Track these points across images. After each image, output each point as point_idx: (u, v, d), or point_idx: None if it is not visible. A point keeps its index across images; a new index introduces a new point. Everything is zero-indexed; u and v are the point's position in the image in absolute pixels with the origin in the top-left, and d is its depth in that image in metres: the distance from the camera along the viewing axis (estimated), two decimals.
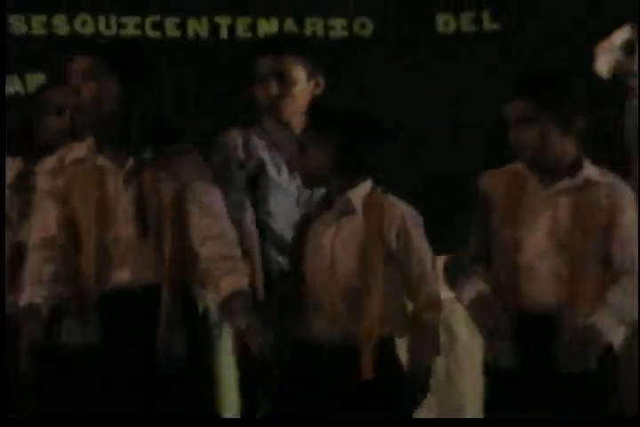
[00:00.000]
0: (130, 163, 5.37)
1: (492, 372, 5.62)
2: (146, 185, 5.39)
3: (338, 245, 5.32)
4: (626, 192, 5.45)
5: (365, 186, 5.33)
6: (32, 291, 5.47)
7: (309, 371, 5.49)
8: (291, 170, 6.02)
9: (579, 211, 5.44)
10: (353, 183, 5.25)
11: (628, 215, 5.42)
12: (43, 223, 5.55)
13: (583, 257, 5.47)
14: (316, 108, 5.94)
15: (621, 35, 7.54)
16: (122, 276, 5.48)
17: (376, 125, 5.48)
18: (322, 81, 6.04)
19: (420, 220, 5.28)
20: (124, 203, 5.37)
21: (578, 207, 5.43)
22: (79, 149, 5.42)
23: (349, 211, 5.30)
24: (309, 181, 5.42)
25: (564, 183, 5.38)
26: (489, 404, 5.66)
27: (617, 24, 7.57)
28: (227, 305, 5.20)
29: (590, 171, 5.44)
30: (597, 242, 5.42)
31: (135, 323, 5.50)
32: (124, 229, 5.41)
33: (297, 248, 5.52)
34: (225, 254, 5.42)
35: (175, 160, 5.43)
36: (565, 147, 5.39)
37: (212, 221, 5.41)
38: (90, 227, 5.44)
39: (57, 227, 5.55)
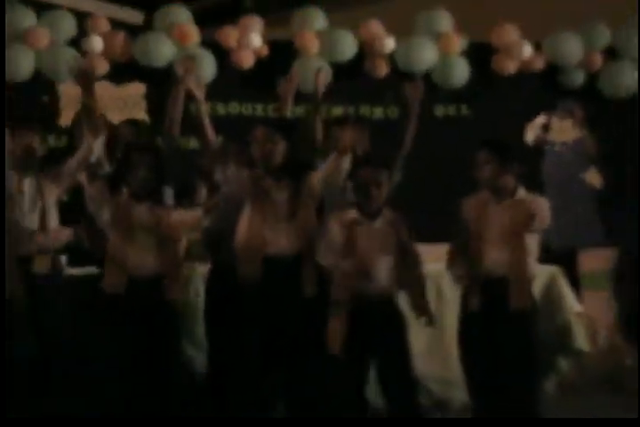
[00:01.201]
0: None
1: (465, 314, 7.41)
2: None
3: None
4: (542, 201, 7.32)
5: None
6: None
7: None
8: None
9: (516, 214, 7.19)
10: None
11: (543, 213, 7.22)
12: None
13: (518, 239, 7.22)
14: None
15: (540, 119, 9.72)
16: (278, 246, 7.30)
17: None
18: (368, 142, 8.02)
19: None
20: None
21: (515, 213, 7.21)
22: None
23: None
24: None
25: (508, 201, 7.29)
26: (462, 335, 7.39)
27: (541, 111, 9.81)
28: None
29: (522, 193, 7.29)
30: (524, 229, 7.18)
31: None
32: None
33: None
34: None
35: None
36: (508, 180, 7.28)
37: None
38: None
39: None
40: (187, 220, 7.56)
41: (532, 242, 7.37)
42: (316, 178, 7.48)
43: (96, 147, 7.87)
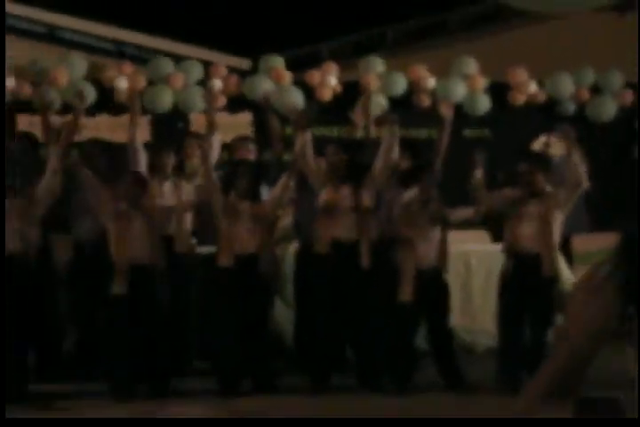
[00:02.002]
0: None
1: (504, 280, 7.58)
2: None
3: None
4: (559, 192, 7.46)
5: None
6: None
7: None
8: None
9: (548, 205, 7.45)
10: None
11: (562, 199, 7.44)
12: None
13: (547, 226, 7.46)
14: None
15: (542, 139, 9.57)
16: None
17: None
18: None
19: None
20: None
21: (548, 205, 7.44)
22: None
23: None
24: None
25: (541, 196, 7.48)
26: (501, 295, 7.60)
27: (543, 132, 9.64)
28: None
29: (549, 188, 7.50)
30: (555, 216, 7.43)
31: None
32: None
33: None
34: None
35: None
36: (541, 181, 7.53)
37: None
38: None
39: None
40: (273, 197, 7.76)
41: (557, 228, 7.55)
42: (372, 181, 7.66)
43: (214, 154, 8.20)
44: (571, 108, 10.35)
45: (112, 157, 8.48)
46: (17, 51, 10.08)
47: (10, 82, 9.51)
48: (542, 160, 7.93)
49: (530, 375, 6.67)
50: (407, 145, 8.13)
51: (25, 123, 9.43)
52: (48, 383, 7.69)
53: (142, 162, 8.18)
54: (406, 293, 7.40)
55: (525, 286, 7.46)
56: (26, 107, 9.15)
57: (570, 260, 9.30)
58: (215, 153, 8.26)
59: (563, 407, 1.86)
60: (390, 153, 7.67)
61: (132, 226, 7.47)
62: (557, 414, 1.85)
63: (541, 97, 10.46)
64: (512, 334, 7.58)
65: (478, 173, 7.66)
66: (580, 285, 2.02)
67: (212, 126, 8.25)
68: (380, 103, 9.70)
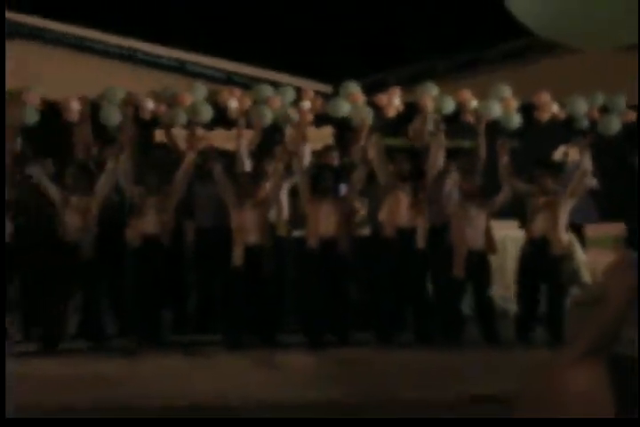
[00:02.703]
0: None
1: (522, 257, 7.69)
2: None
3: None
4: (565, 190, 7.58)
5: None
6: None
7: None
8: None
9: (554, 201, 7.54)
10: None
11: (567, 195, 7.55)
12: None
13: (555, 216, 7.54)
14: None
15: (562, 148, 9.68)
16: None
17: None
18: None
19: None
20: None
21: (554, 201, 7.57)
22: None
23: None
24: None
25: (549, 196, 7.56)
26: (520, 270, 7.78)
27: (563, 143, 9.84)
28: None
29: (557, 188, 7.56)
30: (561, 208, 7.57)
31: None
32: None
33: None
34: None
35: None
36: (549, 182, 7.65)
37: None
38: None
39: None
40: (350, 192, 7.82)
41: (563, 218, 7.55)
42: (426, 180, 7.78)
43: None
44: (585, 123, 10.09)
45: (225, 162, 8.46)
46: (153, 80, 10.41)
47: (149, 104, 9.67)
48: (552, 167, 7.97)
49: (550, 335, 7.08)
50: (455, 153, 8.31)
51: (161, 135, 9.47)
52: (179, 335, 7.92)
53: (248, 165, 8.29)
54: (458, 269, 7.43)
55: (538, 263, 7.51)
56: (161, 123, 9.13)
57: (583, 244, 9.24)
58: (306, 159, 8.33)
59: (597, 363, 1.88)
60: (437, 158, 7.79)
61: (246, 215, 7.58)
62: (592, 369, 1.87)
63: (561, 115, 10.25)
64: (528, 301, 7.63)
65: (504, 160, 7.77)
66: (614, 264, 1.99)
67: (303, 138, 8.29)
68: (433, 120, 9.62)
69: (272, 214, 8.07)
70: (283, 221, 8.22)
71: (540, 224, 7.55)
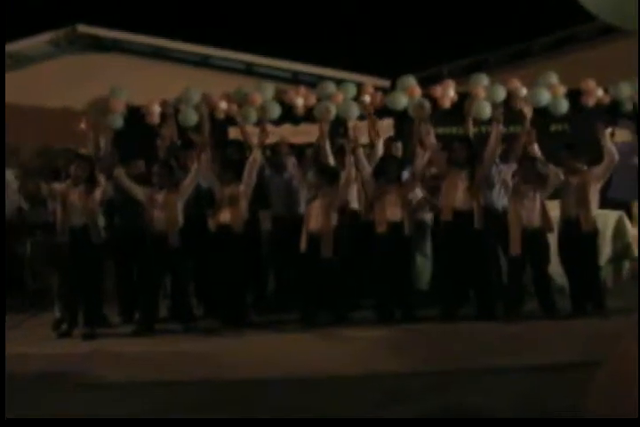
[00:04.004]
0: None
1: (560, 236, 7.55)
2: None
3: None
4: (595, 169, 7.45)
5: None
6: None
7: None
8: None
9: (585, 179, 7.43)
10: None
11: (598, 175, 7.43)
12: None
13: (585, 195, 7.36)
14: None
15: (609, 130, 8.22)
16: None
17: None
18: None
19: None
20: None
21: (584, 179, 7.45)
22: None
23: None
24: None
25: (579, 173, 7.43)
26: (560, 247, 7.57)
27: (609, 126, 8.67)
28: None
29: (585, 168, 7.44)
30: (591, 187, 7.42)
31: None
32: None
33: None
34: None
35: None
36: (579, 163, 7.52)
37: None
38: None
39: None
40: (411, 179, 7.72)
41: (594, 197, 7.42)
42: (481, 165, 7.59)
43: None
44: (628, 106, 10.09)
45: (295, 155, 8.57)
46: (225, 82, 10.44)
47: (223, 104, 9.86)
48: (577, 148, 7.70)
49: (592, 306, 7.09)
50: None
51: (235, 133, 9.55)
52: (260, 315, 7.99)
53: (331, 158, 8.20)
54: (515, 247, 7.40)
55: (572, 239, 7.40)
56: (234, 121, 9.17)
57: (630, 218, 9.15)
58: (379, 149, 8.34)
59: None
60: (496, 144, 7.64)
61: (315, 204, 7.63)
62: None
63: (606, 99, 10.27)
64: (573, 274, 7.56)
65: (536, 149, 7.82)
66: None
67: (377, 132, 8.34)
68: (485, 108, 9.55)
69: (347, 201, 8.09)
70: (355, 209, 8.20)
71: (571, 204, 7.42)
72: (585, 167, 7.52)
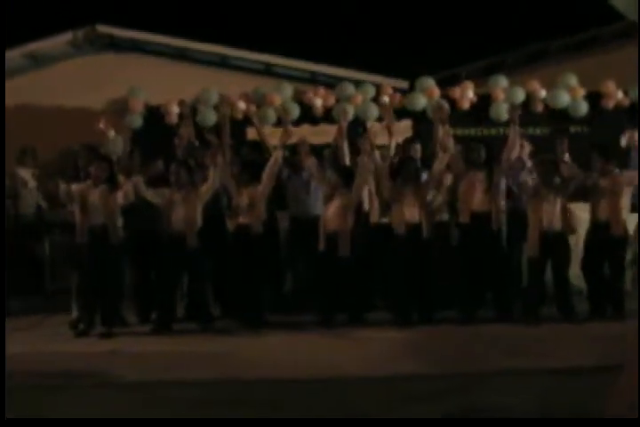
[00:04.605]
0: None
1: (588, 239, 7.53)
2: None
3: None
4: (630, 174, 7.50)
5: None
6: None
7: None
8: None
9: (617, 183, 7.40)
10: None
11: (632, 180, 7.40)
12: None
13: (616, 199, 7.34)
14: None
15: (628, 133, 9.26)
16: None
17: None
18: None
19: None
20: None
21: (616, 182, 7.43)
22: None
23: None
24: None
25: (611, 176, 7.38)
26: (586, 250, 7.57)
27: (628, 128, 9.33)
28: None
29: (617, 171, 7.44)
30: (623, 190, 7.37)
31: None
32: None
33: None
34: None
35: None
36: (611, 165, 7.44)
37: None
38: None
39: None
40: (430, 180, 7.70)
41: (625, 201, 7.35)
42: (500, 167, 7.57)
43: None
44: None
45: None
46: (243, 82, 10.44)
47: (241, 105, 9.88)
48: (608, 151, 7.62)
49: (613, 309, 7.07)
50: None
51: (253, 133, 9.55)
52: (277, 315, 7.95)
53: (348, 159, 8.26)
54: (532, 249, 7.37)
55: (602, 243, 7.34)
56: (252, 122, 9.17)
57: None
58: (391, 151, 8.30)
59: None
60: (515, 145, 7.62)
61: (332, 204, 7.64)
62: None
63: (626, 102, 10.25)
64: (593, 278, 7.51)
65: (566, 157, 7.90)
66: None
67: (390, 133, 8.26)
68: (505, 110, 9.54)
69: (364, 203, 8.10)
70: (373, 210, 8.16)
71: (601, 207, 7.39)
72: (617, 170, 7.48)
